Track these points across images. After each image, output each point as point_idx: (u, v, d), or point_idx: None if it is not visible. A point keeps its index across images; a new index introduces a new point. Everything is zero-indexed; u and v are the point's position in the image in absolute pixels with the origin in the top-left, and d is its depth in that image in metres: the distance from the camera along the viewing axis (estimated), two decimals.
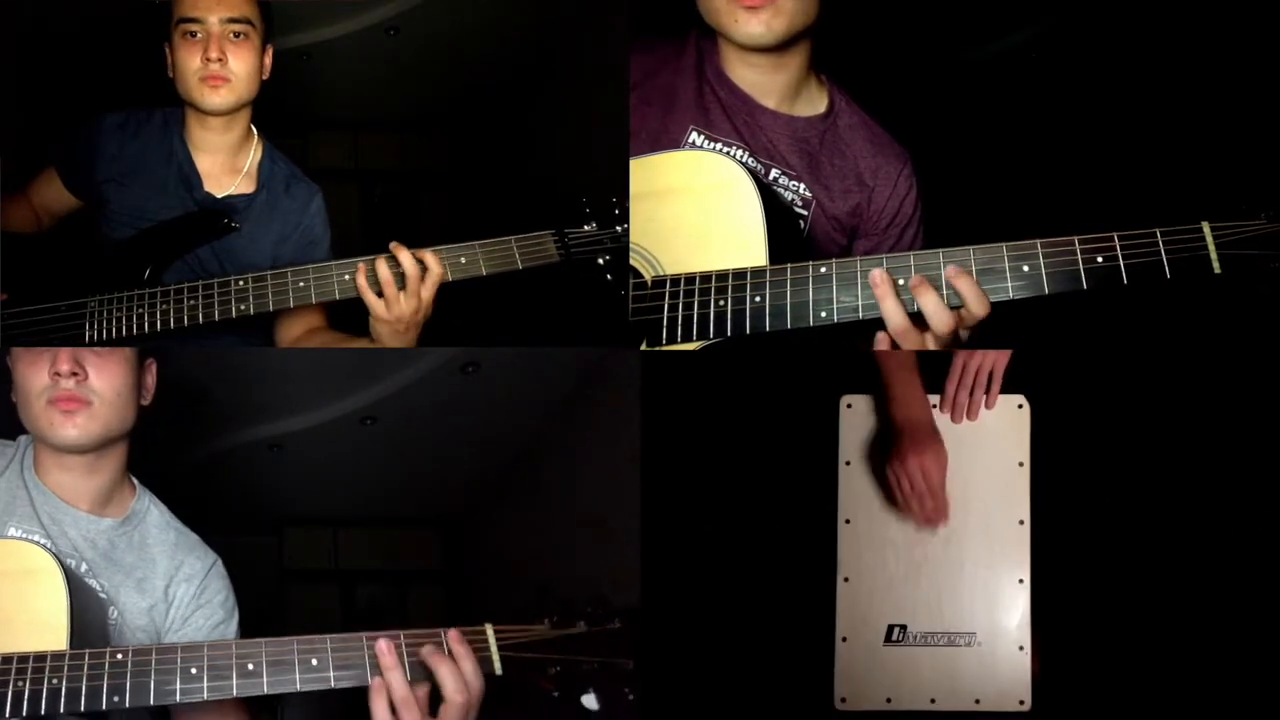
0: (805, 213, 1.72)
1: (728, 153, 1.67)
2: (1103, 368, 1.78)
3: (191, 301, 1.68)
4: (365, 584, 4.95)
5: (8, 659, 1.31)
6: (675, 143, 1.69)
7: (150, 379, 1.60)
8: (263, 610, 1.91)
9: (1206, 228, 1.34)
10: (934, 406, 1.75)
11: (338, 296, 1.67)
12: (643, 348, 1.53)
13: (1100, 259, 1.36)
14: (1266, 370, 1.73)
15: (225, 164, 1.87)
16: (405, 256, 1.63)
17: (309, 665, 1.35)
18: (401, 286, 1.63)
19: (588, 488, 3.38)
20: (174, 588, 1.57)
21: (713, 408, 1.81)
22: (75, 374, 1.49)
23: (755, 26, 1.59)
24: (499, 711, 1.38)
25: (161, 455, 1.68)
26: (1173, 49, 2.28)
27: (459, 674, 1.33)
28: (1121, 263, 1.35)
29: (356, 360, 3.31)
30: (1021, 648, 1.72)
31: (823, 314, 1.45)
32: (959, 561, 1.74)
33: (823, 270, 1.46)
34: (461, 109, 4.09)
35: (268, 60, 1.85)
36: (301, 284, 1.67)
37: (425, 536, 4.97)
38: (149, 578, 1.56)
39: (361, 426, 3.77)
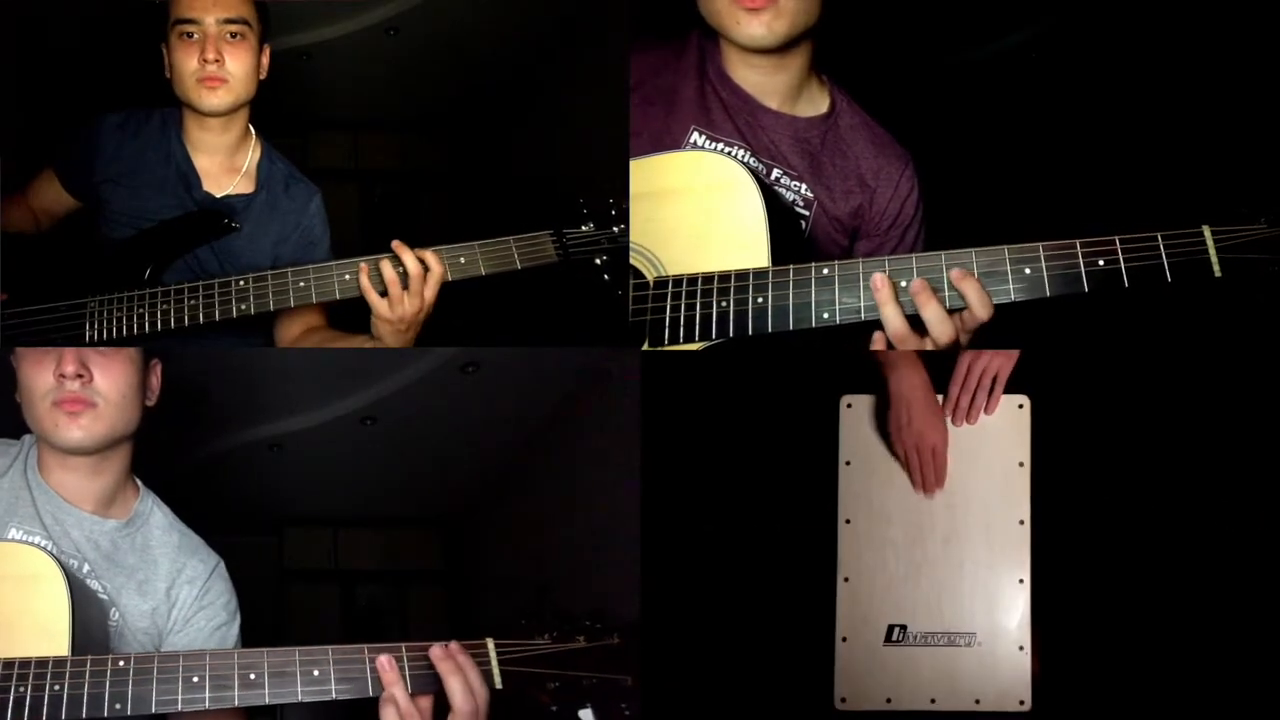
0: (806, 213, 1.72)
1: (729, 153, 1.67)
2: (1103, 368, 1.78)
3: (192, 301, 1.68)
4: (365, 584, 4.96)
5: (9, 664, 1.31)
6: (677, 143, 1.69)
7: (155, 380, 1.60)
8: (263, 610, 1.92)
9: (1207, 232, 1.34)
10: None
11: (338, 296, 1.67)
12: (644, 348, 1.53)
13: (1101, 262, 1.36)
14: (1266, 372, 1.73)
15: (224, 164, 1.87)
16: (408, 256, 1.63)
17: (310, 676, 1.35)
18: (404, 286, 1.63)
19: (588, 488, 3.38)
20: (176, 590, 1.57)
21: (713, 408, 1.81)
22: (80, 375, 1.49)
23: (756, 28, 1.59)
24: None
25: (162, 455, 1.67)
26: (1173, 51, 2.28)
27: (467, 683, 1.34)
28: (1123, 266, 1.35)
29: (356, 360, 3.31)
30: (1021, 648, 1.72)
31: (824, 315, 1.45)
32: (959, 561, 1.74)
33: (825, 272, 1.46)
34: (461, 109, 4.09)
35: (265, 60, 1.85)
36: (302, 284, 1.67)
37: (425, 536, 4.98)
38: (151, 580, 1.56)
39: (361, 426, 3.77)
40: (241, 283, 1.68)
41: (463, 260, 1.66)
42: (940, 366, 1.75)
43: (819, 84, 1.75)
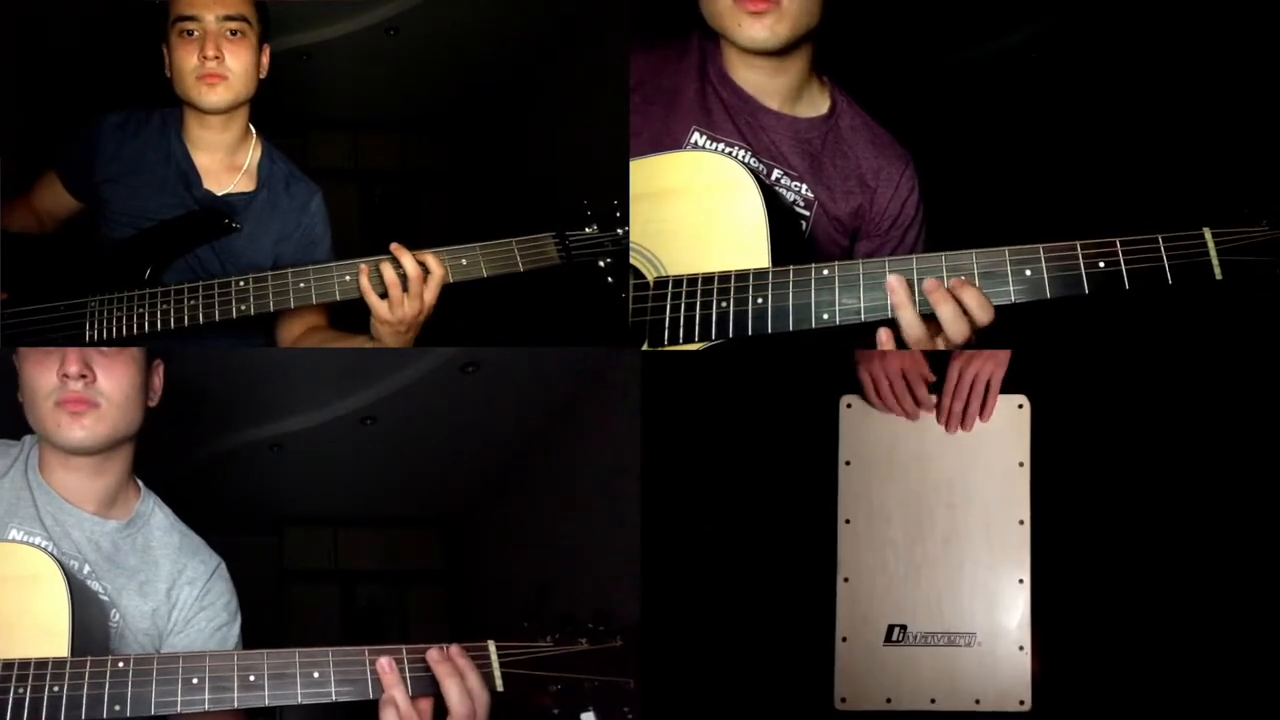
0: (807, 213, 1.72)
1: (730, 153, 1.67)
2: (1103, 369, 1.78)
3: (192, 301, 1.68)
4: (365, 584, 4.96)
5: (9, 665, 1.31)
6: (677, 143, 1.69)
7: (158, 381, 1.61)
8: (263, 611, 1.92)
9: (1208, 234, 1.34)
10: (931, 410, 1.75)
11: (338, 297, 1.67)
12: (644, 348, 1.53)
13: (1102, 264, 1.36)
14: (1266, 374, 1.73)
15: (224, 162, 1.87)
16: (407, 259, 1.63)
17: (311, 678, 1.35)
18: (404, 288, 1.63)
19: (588, 488, 3.38)
20: (176, 591, 1.57)
21: (713, 408, 1.81)
22: (84, 376, 1.49)
23: (759, 31, 1.59)
24: None
25: (162, 455, 1.68)
26: (1174, 52, 2.28)
27: (464, 686, 1.34)
28: (1123, 268, 1.35)
29: (356, 360, 3.31)
30: (1021, 648, 1.72)
31: (824, 316, 1.45)
32: (959, 561, 1.74)
33: (825, 273, 1.46)
34: (461, 109, 4.09)
35: (265, 58, 1.85)
36: (302, 284, 1.67)
37: (425, 536, 4.98)
38: (151, 581, 1.56)
39: (361, 426, 3.77)
40: (241, 283, 1.68)
41: (464, 262, 1.67)
42: (936, 371, 1.75)
43: (819, 85, 1.75)
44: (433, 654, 1.36)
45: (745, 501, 1.80)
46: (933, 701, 1.72)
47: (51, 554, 1.41)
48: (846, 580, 1.74)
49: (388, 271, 1.63)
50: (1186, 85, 2.26)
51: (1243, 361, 1.75)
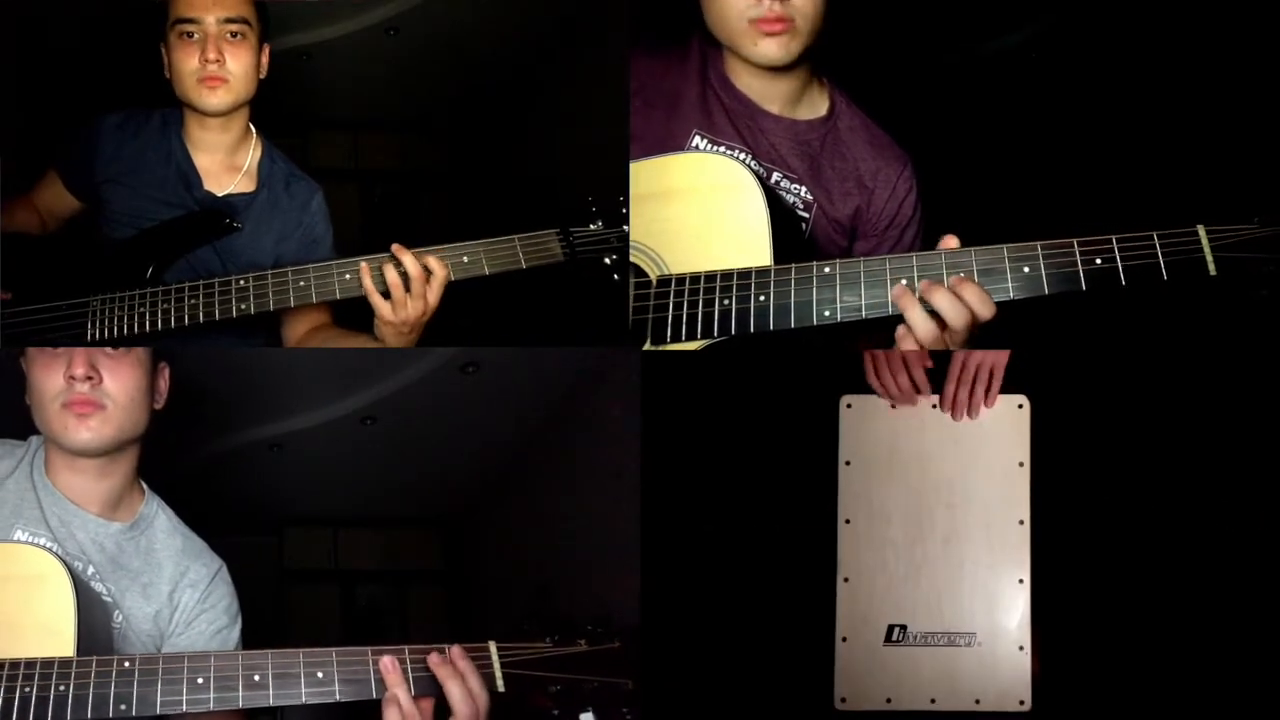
0: (806, 216, 1.73)
1: (730, 156, 1.67)
2: (1102, 368, 1.78)
3: (193, 301, 1.68)
4: (365, 584, 4.96)
5: (15, 665, 1.31)
6: (679, 146, 1.70)
7: (163, 383, 1.61)
8: (263, 611, 1.92)
9: (1202, 231, 1.35)
10: (934, 406, 1.75)
11: (339, 296, 1.67)
12: (647, 346, 1.53)
13: (1099, 260, 1.37)
14: (1264, 370, 1.74)
15: (224, 162, 1.87)
16: (409, 260, 1.63)
17: (314, 678, 1.35)
18: (407, 289, 1.63)
19: (588, 488, 3.38)
20: (179, 593, 1.58)
21: (713, 408, 1.81)
22: (90, 378, 1.50)
23: (775, 50, 1.61)
24: None
25: (162, 455, 1.68)
26: (1170, 52, 2.29)
27: (465, 687, 1.35)
28: (1119, 264, 1.37)
29: (357, 360, 3.31)
30: (1021, 648, 1.72)
31: (826, 313, 1.46)
32: (959, 561, 1.74)
33: (826, 270, 1.46)
34: (461, 109, 4.09)
35: (265, 59, 1.85)
36: (302, 283, 1.67)
37: (425, 536, 4.97)
38: (154, 583, 1.57)
39: (361, 426, 3.77)
40: (242, 282, 1.68)
41: (466, 260, 1.66)
42: (938, 368, 1.75)
43: (819, 86, 1.76)
44: (434, 658, 1.37)
45: (745, 501, 1.81)
46: (933, 701, 1.72)
47: (57, 554, 1.42)
48: (846, 580, 1.74)
49: (390, 272, 1.63)
50: (1181, 85, 2.27)
51: (1240, 359, 1.75)
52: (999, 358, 1.73)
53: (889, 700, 1.72)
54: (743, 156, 1.69)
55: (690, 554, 1.82)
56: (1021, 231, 1.42)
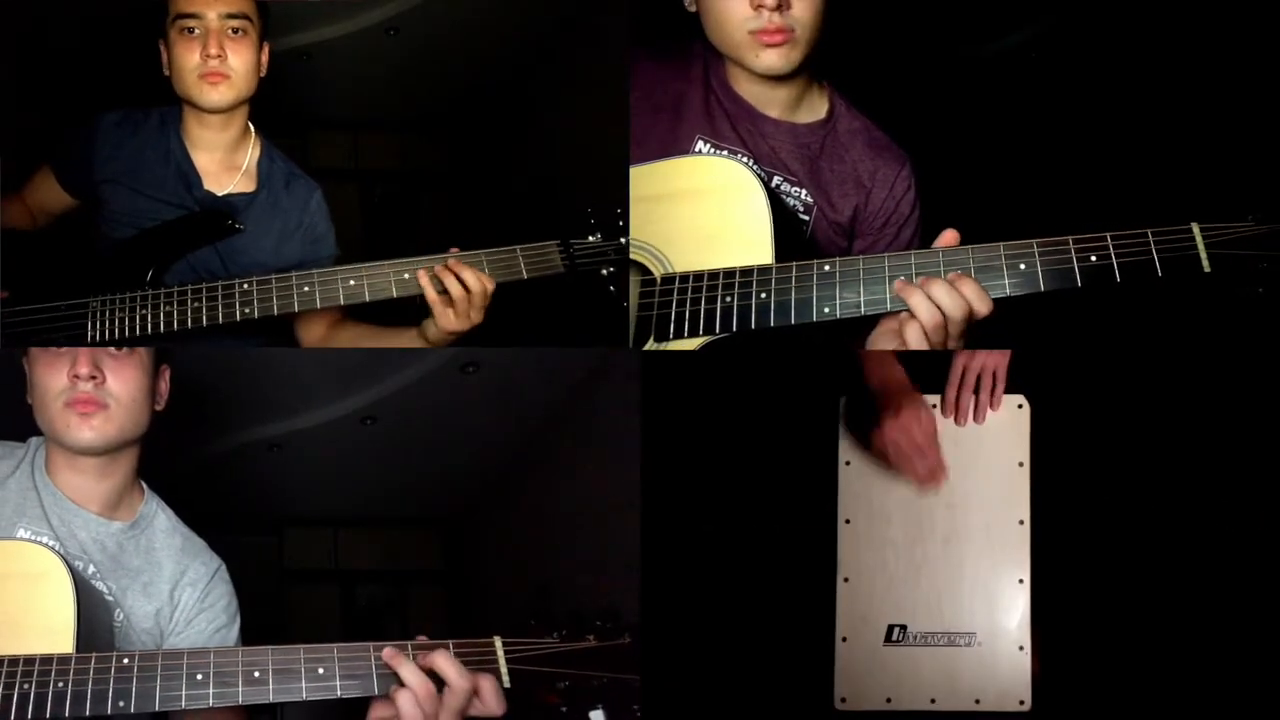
0: (807, 218, 1.74)
1: (733, 159, 1.69)
2: (1102, 368, 1.78)
3: (195, 304, 1.68)
4: (365, 584, 4.96)
5: (14, 661, 1.31)
6: (684, 150, 1.72)
7: (164, 385, 1.62)
8: (263, 611, 1.92)
9: (1196, 229, 1.36)
10: (934, 406, 1.75)
11: (342, 301, 1.67)
12: (650, 343, 1.54)
13: (1094, 257, 1.38)
14: (1259, 367, 1.74)
15: (224, 161, 1.87)
16: (470, 277, 1.64)
17: (315, 674, 1.35)
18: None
19: (588, 488, 3.38)
20: (179, 591, 1.58)
21: (713, 408, 1.81)
22: (93, 377, 1.50)
23: (776, 60, 1.62)
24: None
25: (162, 456, 1.68)
26: (1167, 52, 2.29)
27: (455, 662, 1.33)
28: (1114, 261, 1.37)
29: (357, 360, 3.32)
30: (1021, 648, 1.72)
31: (826, 310, 1.47)
32: (959, 561, 1.74)
33: (826, 268, 1.47)
34: (461, 109, 4.09)
35: (265, 58, 1.85)
36: (306, 288, 1.67)
37: (425, 536, 4.98)
38: (155, 581, 1.57)
39: (361, 426, 3.77)
40: (245, 286, 1.68)
41: (471, 268, 1.67)
42: (934, 368, 1.75)
43: (818, 90, 1.78)
44: (387, 650, 1.35)
45: (745, 501, 1.81)
46: (933, 701, 1.72)
47: (58, 552, 1.42)
48: (846, 580, 1.74)
49: (454, 286, 1.64)
50: (1177, 84, 2.27)
51: (1238, 358, 1.75)
52: (1000, 360, 1.73)
53: (889, 700, 1.72)
54: (745, 161, 1.71)
55: (690, 553, 1.82)
56: (1018, 229, 1.43)
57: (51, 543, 1.50)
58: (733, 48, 1.65)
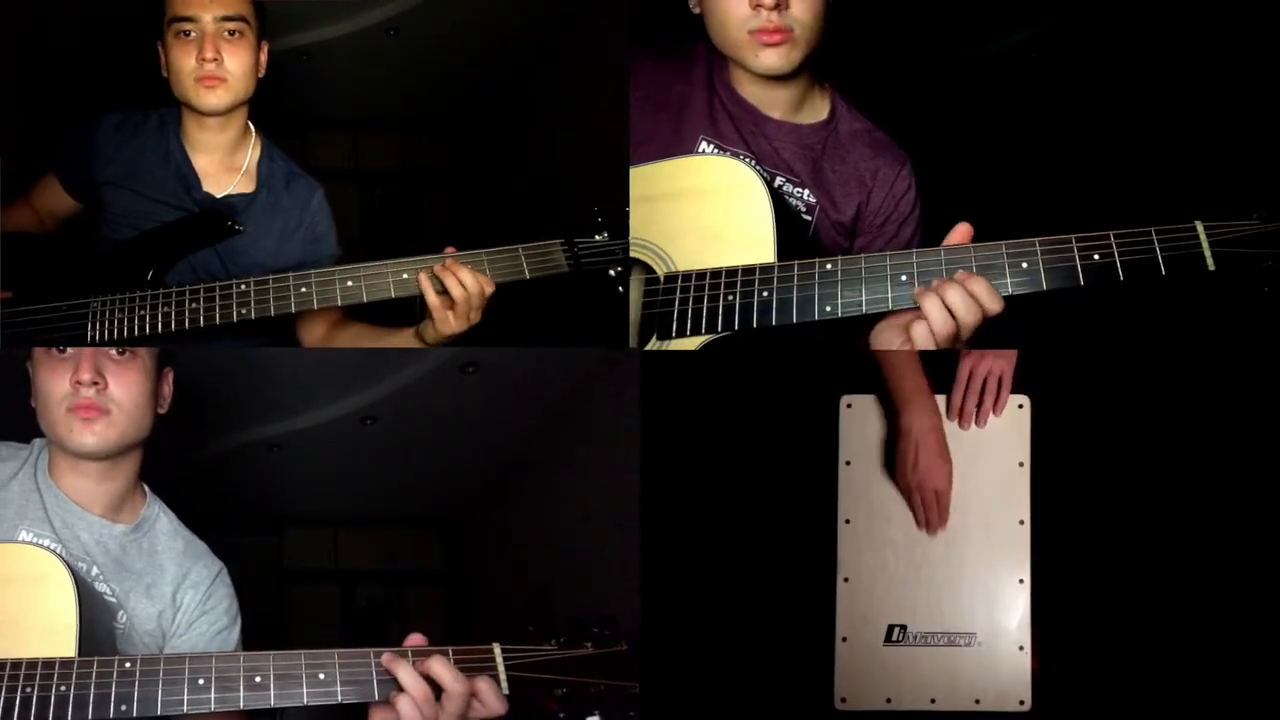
0: (809, 218, 1.75)
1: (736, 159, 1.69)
2: (1102, 368, 1.78)
3: (193, 304, 1.68)
4: (365, 584, 4.96)
5: (16, 665, 1.31)
6: (688, 151, 1.73)
7: (167, 388, 1.61)
8: (263, 611, 1.92)
9: (1200, 227, 1.35)
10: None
11: (340, 302, 1.67)
12: (654, 340, 1.54)
13: (1096, 256, 1.38)
14: (1263, 367, 1.74)
15: (223, 163, 1.87)
16: (467, 276, 1.63)
17: (316, 680, 1.35)
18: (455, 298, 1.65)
19: (588, 488, 3.38)
20: (181, 594, 1.58)
21: (713, 408, 1.82)
22: (96, 382, 1.50)
23: (775, 60, 1.63)
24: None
25: (163, 456, 1.68)
26: (1169, 51, 2.29)
27: (452, 668, 1.34)
28: (1118, 260, 1.37)
29: (357, 360, 3.32)
30: (1021, 648, 1.72)
31: (827, 309, 1.47)
32: (959, 561, 1.74)
33: (828, 267, 1.47)
34: (461, 109, 4.10)
35: (263, 58, 1.84)
36: (303, 289, 1.67)
37: (425, 536, 4.98)
38: (157, 584, 1.57)
39: (361, 426, 3.77)
40: (243, 286, 1.68)
41: (469, 268, 1.67)
42: (941, 369, 1.75)
43: (820, 91, 1.79)
44: (386, 655, 1.35)
45: (745, 501, 1.81)
46: (933, 701, 1.72)
47: (60, 555, 1.42)
48: (846, 580, 1.74)
49: (455, 286, 1.63)
50: (1180, 83, 2.27)
51: (1240, 358, 1.75)
52: (1007, 365, 1.73)
53: (889, 700, 1.72)
54: (748, 161, 1.71)
55: (690, 554, 1.82)
56: (1021, 228, 1.42)
57: (54, 545, 1.50)
58: (733, 48, 1.66)
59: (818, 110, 1.77)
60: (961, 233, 1.44)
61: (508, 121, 4.01)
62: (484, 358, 3.28)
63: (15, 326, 1.70)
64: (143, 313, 1.69)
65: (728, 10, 1.62)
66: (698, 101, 1.75)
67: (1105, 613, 1.75)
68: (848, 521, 1.76)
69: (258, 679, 1.34)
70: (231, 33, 1.76)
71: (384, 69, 3.79)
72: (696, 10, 1.70)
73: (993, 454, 1.76)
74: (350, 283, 1.66)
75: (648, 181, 1.62)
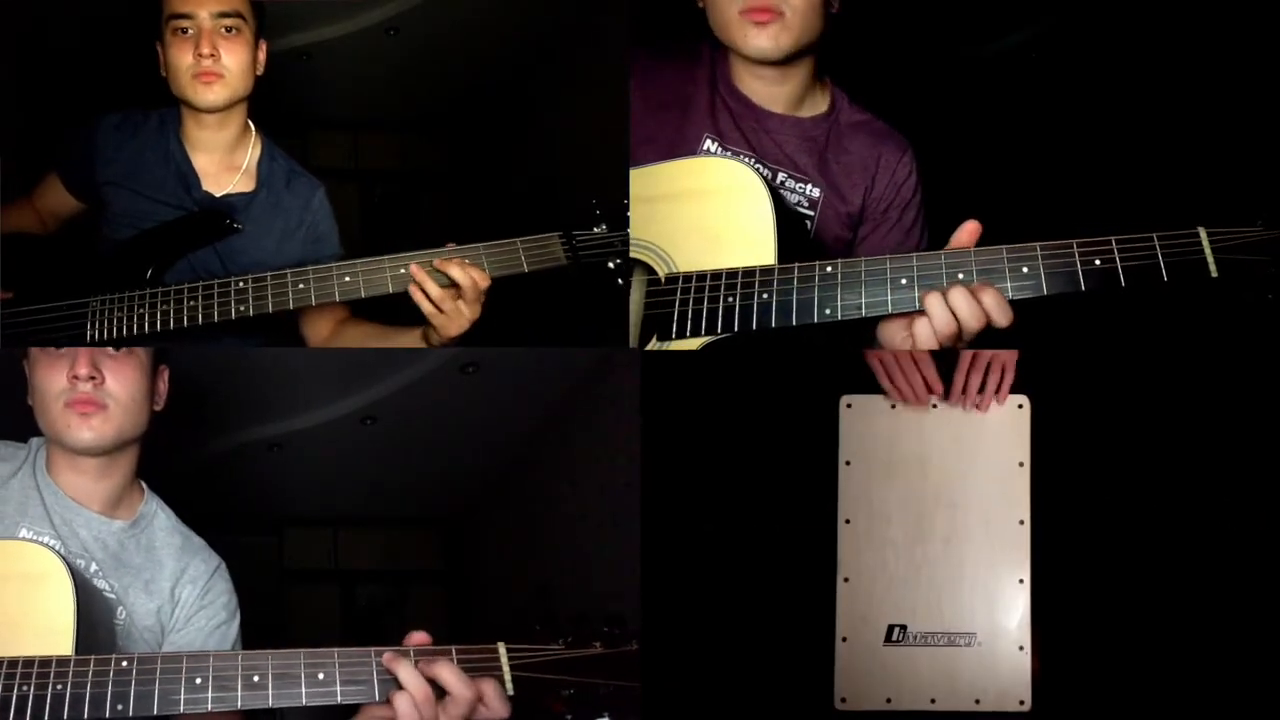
0: (811, 214, 1.76)
1: (738, 159, 1.70)
2: (1103, 368, 1.78)
3: (191, 302, 1.68)
4: (365, 584, 4.96)
5: (13, 663, 1.31)
6: (691, 150, 1.74)
7: (163, 385, 1.62)
8: (263, 611, 1.92)
9: (1203, 233, 1.35)
10: (933, 405, 1.75)
11: (337, 299, 1.67)
12: (654, 342, 1.54)
13: (1098, 261, 1.38)
14: (1264, 373, 1.74)
15: (223, 162, 1.87)
16: (458, 272, 1.63)
17: (315, 679, 1.33)
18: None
19: (588, 488, 3.38)
20: (179, 589, 1.58)
21: (713, 408, 1.81)
22: (93, 378, 1.51)
23: (764, 41, 1.65)
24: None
25: (163, 456, 1.68)
26: (1171, 54, 2.29)
27: (459, 671, 1.33)
28: (1119, 265, 1.36)
29: (358, 360, 3.32)
30: (1021, 648, 1.72)
31: (827, 311, 1.47)
32: (959, 561, 1.74)
33: (828, 269, 1.48)
34: (461, 109, 4.10)
35: (261, 55, 1.84)
36: (301, 286, 1.67)
37: (425, 536, 4.98)
38: (156, 579, 1.57)
39: (361, 426, 3.77)
40: (241, 284, 1.68)
41: (467, 262, 1.66)
42: (945, 364, 1.75)
43: (820, 87, 1.81)
44: (421, 662, 1.34)
45: (745, 501, 1.80)
46: (933, 701, 1.72)
47: (58, 552, 1.42)
48: (846, 580, 1.74)
49: (433, 289, 1.62)
50: (1183, 86, 2.27)
51: (1241, 360, 1.75)
52: (1009, 356, 1.73)
53: (889, 700, 1.72)
54: (749, 160, 1.72)
55: (690, 554, 1.82)
56: (1021, 231, 1.42)
57: (53, 542, 1.50)
58: (725, 30, 1.68)
59: (818, 104, 1.79)
60: (970, 230, 1.44)
61: (508, 121, 4.01)
62: (484, 357, 3.28)
63: (15, 327, 1.70)
64: (141, 311, 1.69)
65: None
66: (700, 100, 1.76)
67: (1105, 613, 1.75)
68: (848, 521, 1.75)
69: (255, 678, 1.33)
70: (228, 29, 1.77)
71: (384, 69, 3.79)
72: (700, 4, 1.71)
73: (993, 454, 1.76)
74: (348, 278, 1.66)
75: (650, 182, 1.63)
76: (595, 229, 1.69)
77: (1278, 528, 1.73)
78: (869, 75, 1.85)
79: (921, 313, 1.41)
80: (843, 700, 1.72)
